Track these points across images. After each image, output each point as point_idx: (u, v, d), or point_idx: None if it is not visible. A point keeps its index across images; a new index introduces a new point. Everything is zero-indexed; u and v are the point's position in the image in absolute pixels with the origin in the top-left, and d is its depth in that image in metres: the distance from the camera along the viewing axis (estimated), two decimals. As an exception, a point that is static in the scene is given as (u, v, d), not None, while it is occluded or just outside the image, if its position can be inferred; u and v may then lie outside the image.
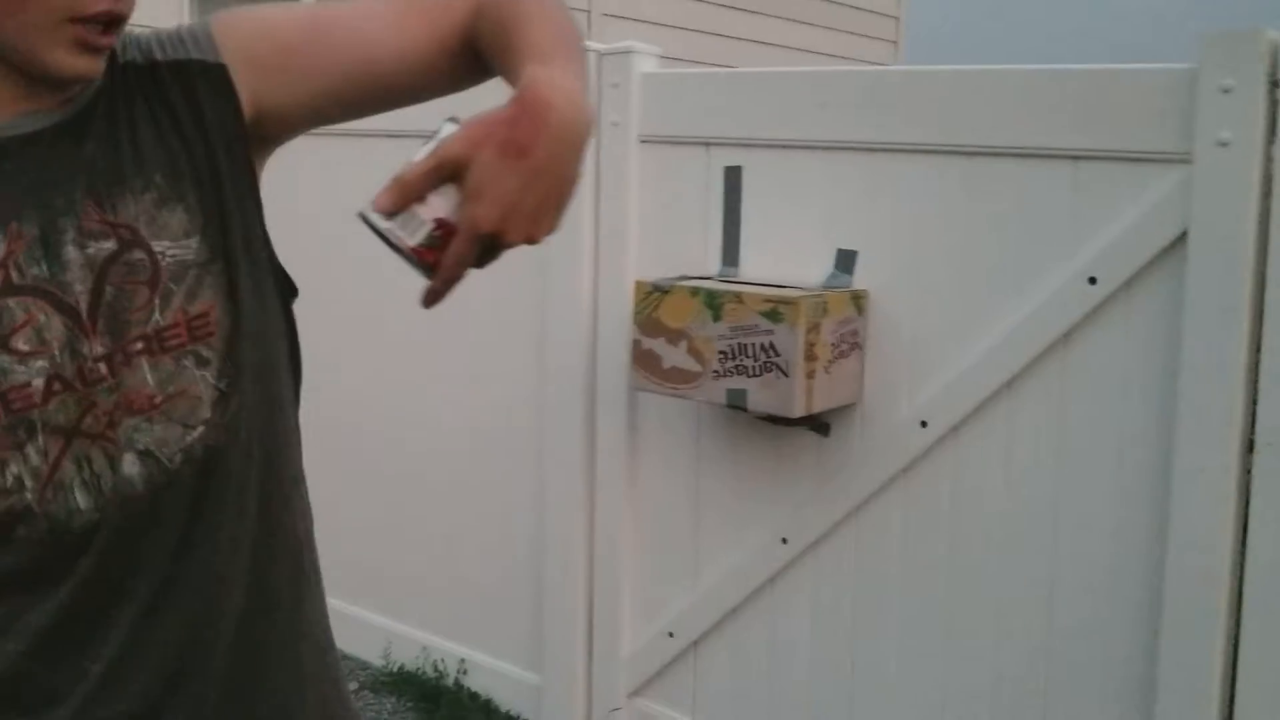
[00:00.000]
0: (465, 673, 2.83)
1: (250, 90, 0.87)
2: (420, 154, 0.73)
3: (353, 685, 2.87)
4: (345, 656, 2.78)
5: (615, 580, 2.51)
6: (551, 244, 2.92)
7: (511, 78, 0.82)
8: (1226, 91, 1.75)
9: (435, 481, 2.83)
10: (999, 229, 2.00)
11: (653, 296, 2.20)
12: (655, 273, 2.32)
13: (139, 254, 0.82)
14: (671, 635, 2.46)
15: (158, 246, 0.83)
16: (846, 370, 2.12)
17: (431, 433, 2.81)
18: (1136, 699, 1.91)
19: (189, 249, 0.84)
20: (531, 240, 0.75)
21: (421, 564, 2.86)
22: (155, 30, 0.90)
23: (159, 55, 0.87)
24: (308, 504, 0.97)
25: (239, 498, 0.87)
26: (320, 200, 2.47)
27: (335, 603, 1.06)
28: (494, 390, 2.69)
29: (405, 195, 0.73)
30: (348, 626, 2.00)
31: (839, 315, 2.09)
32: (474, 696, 2.81)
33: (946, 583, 2.11)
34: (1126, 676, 1.93)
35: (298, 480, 0.95)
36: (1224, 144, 1.76)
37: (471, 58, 0.91)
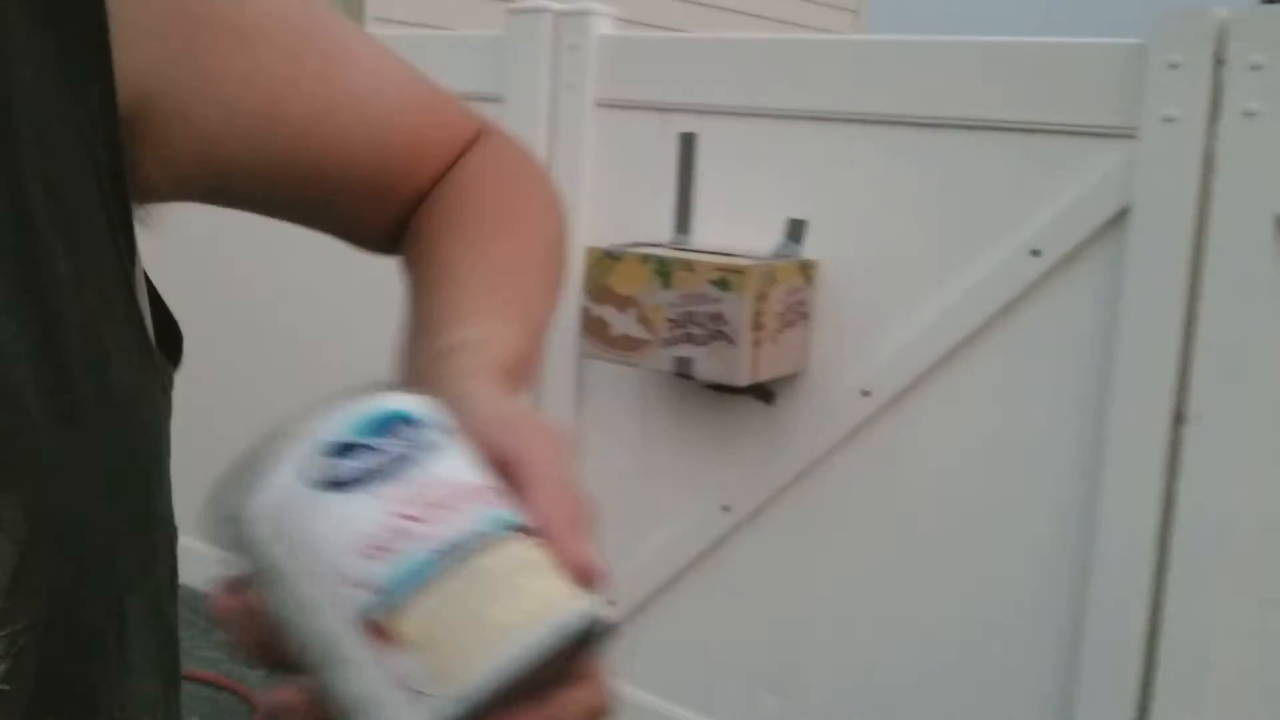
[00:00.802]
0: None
1: (140, 78, 0.48)
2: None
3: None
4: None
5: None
6: None
7: (445, 306, 0.51)
8: (1174, 68, 1.76)
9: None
10: (947, 200, 2.01)
11: (603, 262, 2.19)
12: (609, 238, 2.31)
13: None
14: (613, 603, 2.47)
15: None
16: (793, 339, 2.13)
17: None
18: (1064, 658, 1.94)
19: None
20: None
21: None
22: None
23: None
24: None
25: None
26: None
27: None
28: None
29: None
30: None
31: (787, 284, 2.09)
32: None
33: (886, 550, 2.13)
34: (1055, 634, 1.96)
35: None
36: (1170, 120, 1.77)
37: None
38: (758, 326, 2.04)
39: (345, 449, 0.37)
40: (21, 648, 0.44)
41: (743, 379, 2.05)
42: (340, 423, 0.37)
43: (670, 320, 2.10)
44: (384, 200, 0.60)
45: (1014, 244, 1.94)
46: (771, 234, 2.18)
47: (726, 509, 2.28)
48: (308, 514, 0.36)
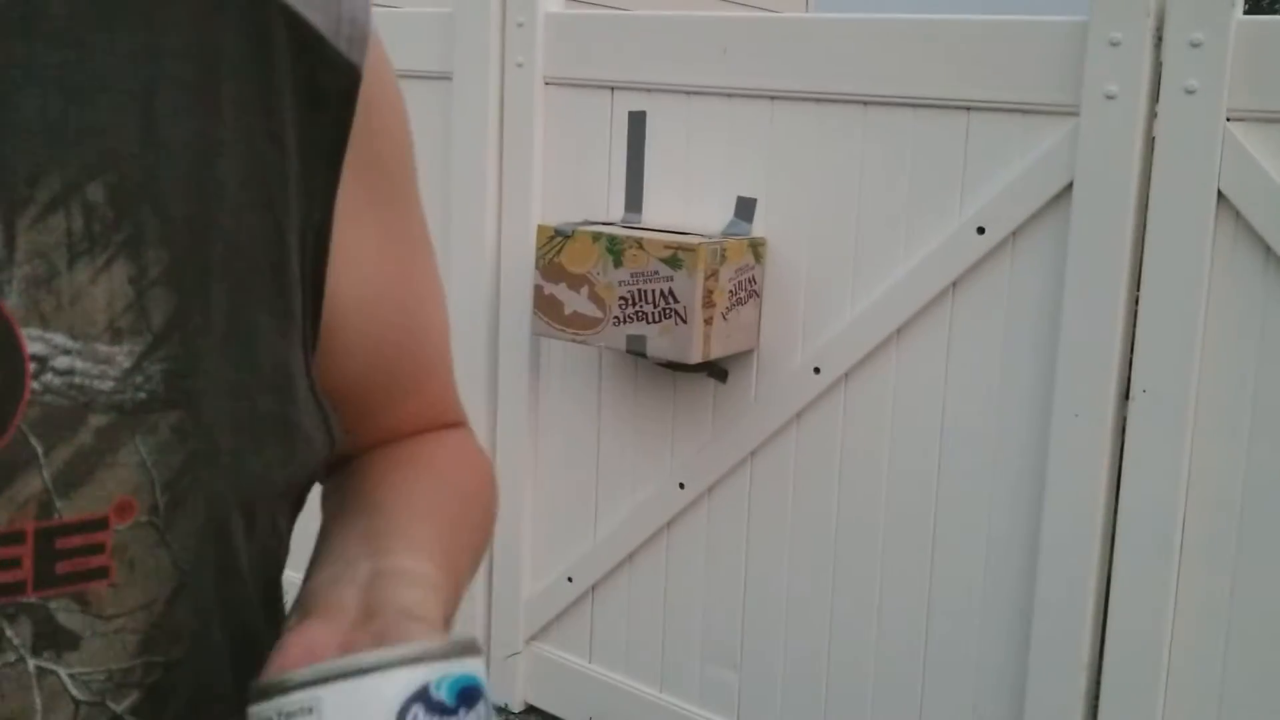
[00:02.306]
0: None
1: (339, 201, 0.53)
2: None
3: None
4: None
5: (515, 526, 2.52)
6: (455, 187, 2.85)
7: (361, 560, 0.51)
8: (1114, 45, 1.78)
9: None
10: (893, 178, 2.02)
11: (555, 241, 2.18)
12: (559, 217, 2.30)
13: None
14: (570, 580, 2.48)
15: (24, 343, 0.42)
16: (744, 317, 2.14)
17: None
18: (1015, 633, 1.98)
19: (105, 367, 0.44)
20: None
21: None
22: None
23: None
24: None
25: None
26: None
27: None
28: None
29: None
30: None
31: (737, 262, 2.10)
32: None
33: (836, 525, 2.15)
34: (1004, 608, 1.99)
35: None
36: (1111, 97, 1.79)
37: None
38: (709, 304, 2.05)
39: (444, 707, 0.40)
40: (156, 681, 0.46)
41: (695, 357, 2.06)
42: (446, 677, 0.41)
43: (622, 299, 2.10)
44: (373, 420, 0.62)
45: (959, 221, 1.96)
46: (719, 213, 2.19)
47: (682, 486, 2.30)
48: None
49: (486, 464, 0.67)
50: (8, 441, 0.41)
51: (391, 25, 2.72)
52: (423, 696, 0.39)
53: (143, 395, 0.44)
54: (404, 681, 0.40)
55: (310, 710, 0.39)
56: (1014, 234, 1.92)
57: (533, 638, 2.56)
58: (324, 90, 0.51)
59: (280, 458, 0.49)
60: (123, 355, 0.43)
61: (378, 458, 0.61)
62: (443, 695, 0.40)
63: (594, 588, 2.46)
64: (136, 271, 0.44)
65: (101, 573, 0.44)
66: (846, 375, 2.09)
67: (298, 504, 0.57)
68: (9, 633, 0.42)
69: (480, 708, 0.41)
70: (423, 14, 2.54)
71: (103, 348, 0.43)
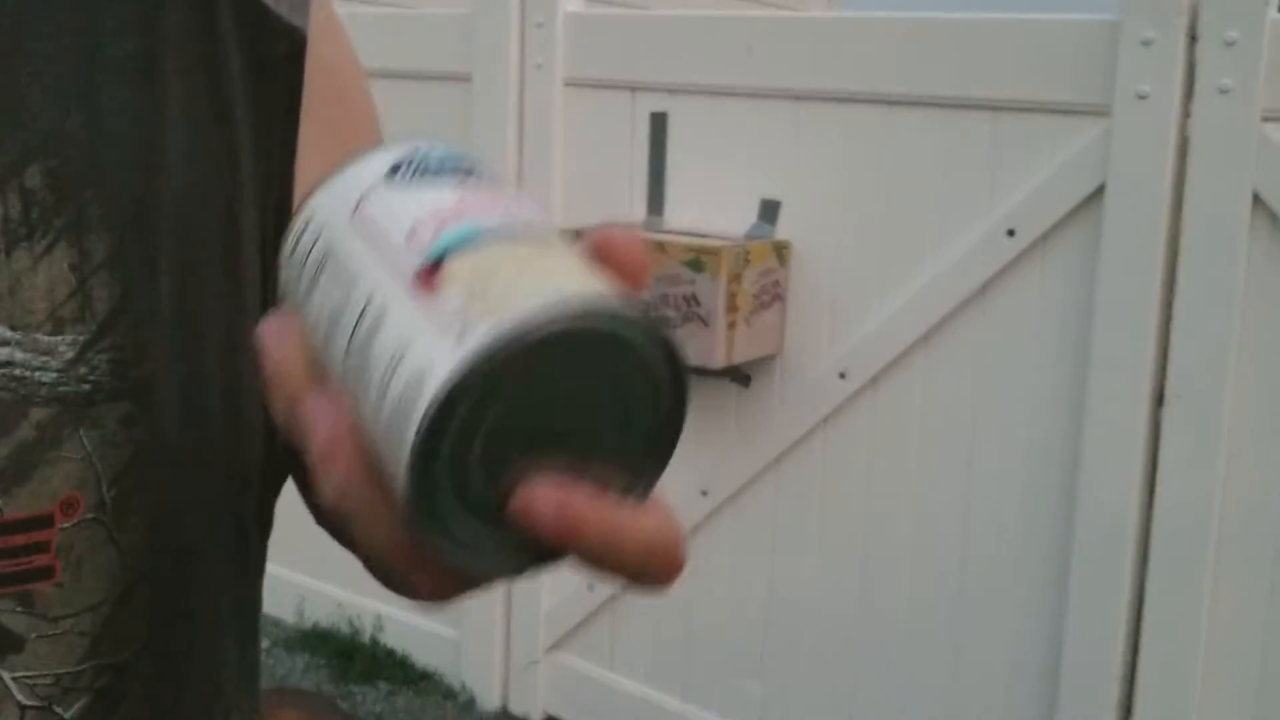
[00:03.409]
0: (381, 629, 2.79)
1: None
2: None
3: (265, 643, 2.82)
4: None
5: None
6: None
7: None
8: (1147, 44, 1.75)
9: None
10: (920, 180, 1.99)
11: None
12: (580, 220, 2.28)
13: None
14: (591, 589, 2.45)
15: None
16: (768, 321, 2.11)
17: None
18: (1045, 645, 1.94)
19: (46, 358, 0.42)
20: None
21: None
22: None
23: None
24: None
25: None
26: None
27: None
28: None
29: None
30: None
31: (761, 265, 2.07)
32: (390, 653, 2.78)
33: (864, 533, 2.12)
34: (1037, 622, 1.96)
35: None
36: (1143, 97, 1.76)
37: None
38: (732, 308, 2.02)
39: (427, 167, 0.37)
40: (106, 685, 0.44)
41: (718, 361, 2.03)
42: (421, 148, 0.38)
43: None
44: None
45: (988, 223, 1.92)
46: (742, 216, 2.16)
47: (704, 493, 2.27)
48: (381, 197, 0.36)
49: None
50: None
51: (409, 25, 2.71)
52: (408, 160, 0.36)
53: (86, 387, 0.42)
54: (385, 156, 0.37)
55: (309, 220, 0.37)
56: (1044, 237, 1.88)
57: (553, 646, 2.54)
58: (270, 58, 0.49)
59: (233, 448, 0.47)
60: (65, 345, 0.41)
61: None
62: (432, 157, 0.37)
63: (615, 596, 2.43)
64: (78, 258, 0.42)
65: (47, 572, 0.41)
66: (873, 380, 2.06)
67: (266, 503, 0.53)
68: None
69: (478, 167, 0.37)
70: (441, 14, 2.52)
71: (44, 338, 0.41)
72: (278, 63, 0.49)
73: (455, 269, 0.33)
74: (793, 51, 2.08)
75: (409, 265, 0.33)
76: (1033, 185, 1.88)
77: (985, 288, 1.94)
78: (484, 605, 2.58)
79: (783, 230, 2.12)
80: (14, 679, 0.42)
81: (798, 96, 2.09)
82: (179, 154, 0.45)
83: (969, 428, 1.99)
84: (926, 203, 1.98)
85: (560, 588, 2.50)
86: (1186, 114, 1.74)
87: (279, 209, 0.49)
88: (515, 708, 2.58)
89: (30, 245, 0.41)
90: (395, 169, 0.36)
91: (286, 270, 0.37)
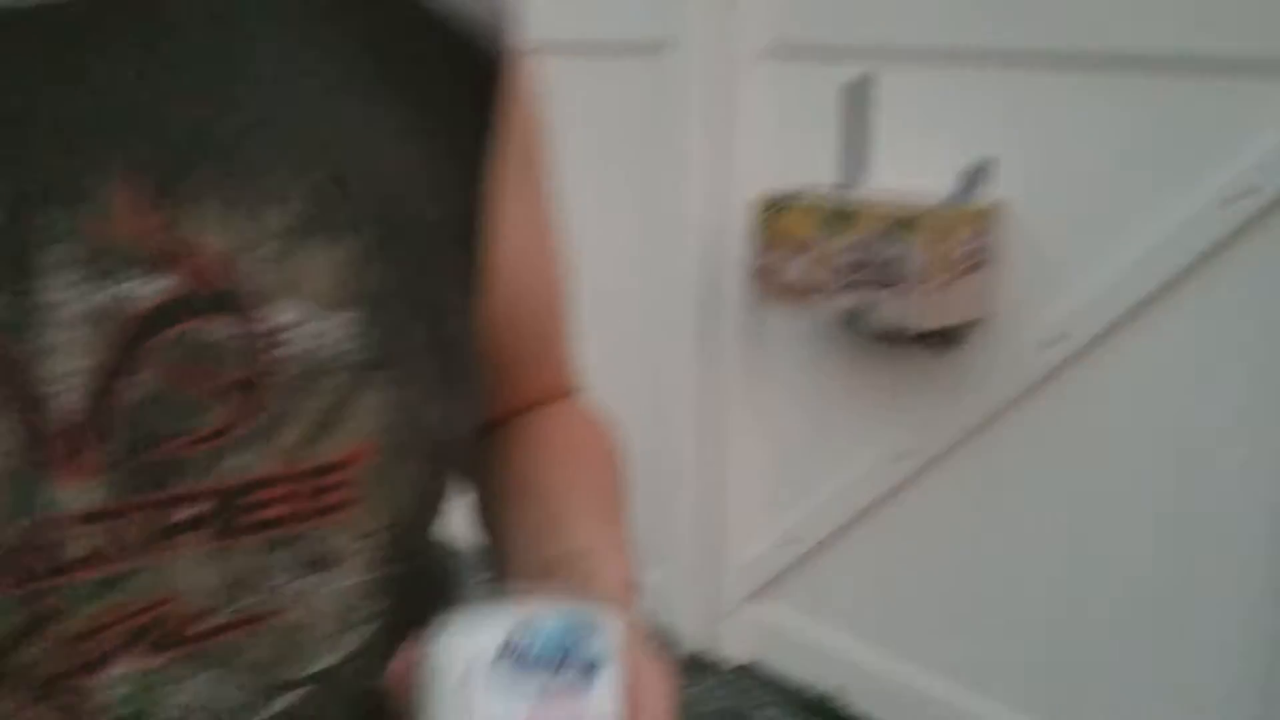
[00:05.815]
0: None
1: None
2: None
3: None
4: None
5: (731, 488, 2.55)
6: (660, 159, 2.82)
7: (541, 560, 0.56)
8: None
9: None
10: (1142, 141, 1.90)
11: (772, 210, 2.17)
12: (777, 184, 2.28)
13: (223, 323, 0.46)
14: (790, 543, 2.50)
15: (271, 315, 0.47)
16: (972, 286, 2.07)
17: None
18: (1263, 629, 1.87)
19: (337, 332, 0.49)
20: None
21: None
22: None
23: None
24: None
25: None
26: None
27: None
28: (608, 312, 2.71)
29: None
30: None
31: (966, 230, 2.03)
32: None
33: (1070, 504, 2.08)
34: (1253, 598, 1.89)
35: None
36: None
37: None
38: (933, 273, 1.99)
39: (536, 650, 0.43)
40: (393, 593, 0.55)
41: (919, 326, 2.02)
42: (546, 620, 0.44)
43: (842, 267, 2.07)
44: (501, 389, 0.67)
45: (1215, 187, 1.82)
46: (946, 179, 2.11)
47: (903, 457, 2.27)
48: (480, 682, 0.43)
49: (613, 430, 0.71)
50: (268, 400, 0.47)
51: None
52: (515, 642, 0.43)
53: (366, 356, 0.50)
54: (501, 626, 0.43)
55: (432, 656, 0.44)
56: (1277, 202, 1.77)
57: (752, 595, 2.61)
58: (471, 77, 0.55)
59: (467, 411, 0.57)
60: (349, 321, 0.49)
61: (521, 439, 0.67)
62: (538, 639, 0.43)
63: (814, 550, 2.47)
64: (359, 247, 0.49)
65: (351, 503, 0.51)
66: (1085, 349, 2.00)
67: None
68: (285, 556, 0.50)
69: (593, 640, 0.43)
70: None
71: (333, 315, 0.49)
72: (478, 81, 0.56)
73: None
74: (1003, 9, 2.01)
75: None
76: (1267, 146, 1.77)
77: (1208, 255, 1.84)
78: (681, 553, 2.67)
79: (990, 193, 2.07)
80: (331, 590, 0.52)
81: (1008, 56, 2.01)
82: (416, 158, 0.53)
83: (1183, 403, 1.91)
84: (1148, 165, 1.89)
85: (759, 540, 2.56)
86: None
87: (478, 210, 0.56)
88: (712, 654, 2.67)
89: (322, 237, 0.49)
90: (504, 648, 0.43)
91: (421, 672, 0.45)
